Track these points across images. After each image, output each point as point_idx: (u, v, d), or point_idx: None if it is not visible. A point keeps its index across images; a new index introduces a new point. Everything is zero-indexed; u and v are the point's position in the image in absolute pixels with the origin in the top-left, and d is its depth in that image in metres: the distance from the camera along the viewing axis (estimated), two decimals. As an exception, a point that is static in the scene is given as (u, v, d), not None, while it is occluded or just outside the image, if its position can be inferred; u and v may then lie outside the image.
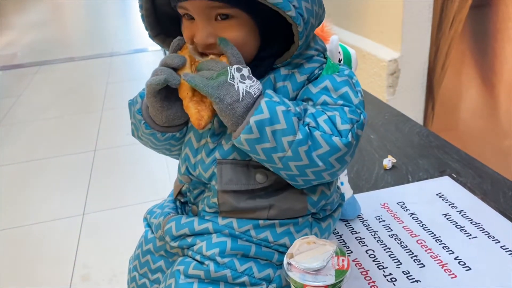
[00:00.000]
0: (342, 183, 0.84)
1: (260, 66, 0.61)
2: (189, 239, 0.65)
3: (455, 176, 1.00)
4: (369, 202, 0.91)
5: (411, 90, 1.96)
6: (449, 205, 0.90)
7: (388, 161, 1.05)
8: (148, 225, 0.74)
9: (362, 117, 0.59)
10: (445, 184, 0.98)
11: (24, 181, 2.28)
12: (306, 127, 0.56)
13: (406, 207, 0.91)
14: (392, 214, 0.89)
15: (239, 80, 0.55)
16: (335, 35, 0.77)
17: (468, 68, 1.75)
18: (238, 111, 0.55)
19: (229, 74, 0.55)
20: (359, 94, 0.60)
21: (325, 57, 0.65)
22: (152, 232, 0.72)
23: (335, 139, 0.55)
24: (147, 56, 4.64)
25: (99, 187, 2.15)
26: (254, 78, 0.56)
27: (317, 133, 0.55)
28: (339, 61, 0.79)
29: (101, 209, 1.97)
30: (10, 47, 5.29)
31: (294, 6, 0.55)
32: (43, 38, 5.65)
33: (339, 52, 0.78)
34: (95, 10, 7.70)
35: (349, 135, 0.56)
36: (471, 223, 0.84)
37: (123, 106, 3.43)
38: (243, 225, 0.63)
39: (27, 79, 3.99)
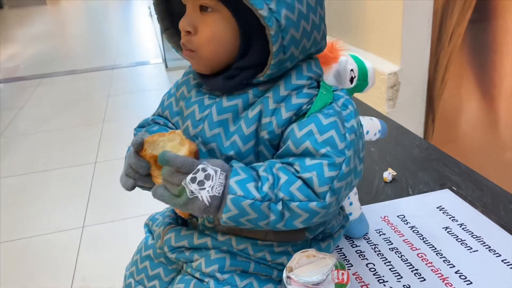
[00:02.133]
0: (351, 203, 0.82)
1: (237, 77, 0.60)
2: (187, 253, 0.64)
3: (455, 189, 1.00)
4: (369, 215, 0.91)
5: (411, 103, 1.97)
6: (449, 218, 0.90)
7: (388, 174, 1.05)
8: (149, 231, 0.74)
9: (343, 166, 0.56)
10: (446, 197, 0.97)
11: (24, 193, 2.28)
12: (279, 204, 0.55)
13: (406, 220, 0.91)
14: (393, 227, 0.89)
15: (199, 189, 0.54)
16: (344, 56, 0.75)
17: (467, 81, 1.76)
18: (212, 212, 0.55)
19: (187, 190, 0.54)
20: (347, 135, 0.57)
21: (319, 85, 0.62)
22: (153, 239, 0.72)
23: (312, 205, 0.54)
24: (148, 69, 4.67)
25: (99, 200, 2.15)
26: (211, 174, 0.54)
27: (293, 205, 0.55)
28: (352, 79, 0.77)
29: (101, 221, 1.96)
30: (13, 60, 5.33)
31: (270, 8, 0.54)
32: (45, 50, 5.70)
33: (352, 70, 0.77)
34: (97, 24, 7.77)
35: (327, 196, 0.55)
36: (471, 236, 0.84)
37: (124, 118, 3.46)
38: (241, 243, 0.63)
39: (29, 91, 4.01)
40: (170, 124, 0.71)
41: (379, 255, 0.81)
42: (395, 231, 0.87)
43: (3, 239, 1.90)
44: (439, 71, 1.90)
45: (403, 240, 0.85)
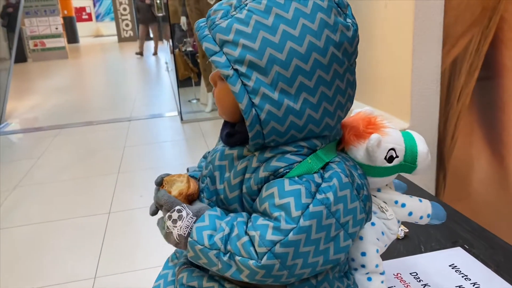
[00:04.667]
0: (363, 254, 0.74)
1: (233, 137, 0.66)
2: None
3: (467, 247, 1.00)
4: (382, 272, 0.92)
5: (422, 160, 1.99)
6: (462, 277, 0.91)
7: (400, 231, 1.07)
8: (168, 267, 0.78)
9: (291, 234, 0.56)
10: (458, 255, 0.98)
11: (38, 243, 2.30)
12: (227, 256, 0.59)
13: (419, 278, 0.91)
14: (406, 285, 0.89)
15: (173, 226, 0.63)
16: (376, 134, 0.68)
17: (477, 139, 1.80)
18: (182, 248, 0.64)
19: (165, 225, 0.64)
20: (311, 206, 0.57)
21: (309, 154, 0.62)
22: (173, 275, 0.76)
23: (250, 262, 0.58)
24: (164, 121, 4.79)
25: (111, 250, 2.16)
26: (183, 215, 0.63)
27: (237, 258, 0.59)
28: (391, 158, 0.71)
29: (112, 272, 1.97)
30: (33, 111, 5.52)
31: (252, 102, 0.58)
32: (65, 102, 5.90)
33: (392, 149, 0.70)
34: (116, 77, 8.06)
35: (264, 258, 0.57)
36: (485, 296, 0.84)
37: (139, 169, 3.52)
38: None
39: (47, 141, 4.13)
40: None
41: (392, 312, 0.81)
42: (408, 289, 0.88)
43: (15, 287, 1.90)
44: (448, 129, 1.94)
45: (417, 298, 0.85)
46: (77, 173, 3.29)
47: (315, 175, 0.61)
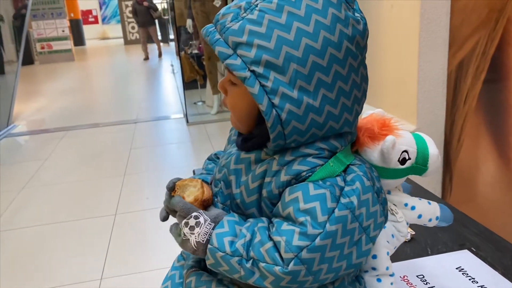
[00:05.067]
0: (374, 256, 0.74)
1: (250, 141, 0.66)
2: None
3: (474, 250, 1.00)
4: (389, 274, 0.92)
5: (428, 162, 1.99)
6: (469, 279, 0.90)
7: (407, 233, 1.06)
8: (175, 268, 0.78)
9: (318, 239, 0.56)
10: (465, 258, 0.98)
11: (44, 244, 2.31)
12: (250, 262, 0.58)
13: (426, 280, 0.91)
14: (412, 287, 0.89)
15: (190, 233, 0.62)
16: (391, 136, 0.69)
17: (484, 142, 1.79)
18: (200, 256, 0.63)
19: (182, 232, 0.63)
20: (336, 210, 0.57)
21: (330, 156, 0.62)
22: (180, 277, 0.76)
23: (276, 269, 0.56)
24: (170, 124, 4.80)
25: (117, 252, 2.16)
26: (201, 222, 0.62)
27: (261, 265, 0.57)
28: (404, 160, 0.71)
29: (118, 274, 1.97)
30: (39, 113, 5.55)
31: (272, 103, 0.57)
32: (71, 104, 5.93)
33: (405, 151, 0.71)
34: (122, 79, 8.09)
35: (291, 264, 0.56)
36: (492, 298, 0.84)
37: (145, 171, 3.53)
38: None
39: (54, 143, 4.15)
40: None
41: (399, 315, 0.81)
42: (415, 291, 0.88)
43: (22, 289, 1.92)
44: (455, 131, 1.93)
45: (423, 301, 0.85)
46: (84, 174, 3.30)
47: (338, 178, 0.60)
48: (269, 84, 0.57)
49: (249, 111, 0.64)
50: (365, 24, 0.62)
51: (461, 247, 1.02)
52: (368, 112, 0.77)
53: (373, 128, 0.70)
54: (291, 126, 0.58)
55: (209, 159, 0.85)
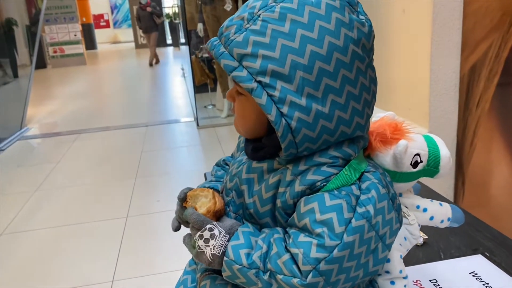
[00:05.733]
0: (388, 260, 0.73)
1: (261, 151, 0.65)
2: None
3: (488, 254, 0.99)
4: (401, 279, 0.91)
5: (440, 166, 1.97)
6: (483, 284, 0.90)
7: (419, 237, 1.06)
8: (187, 272, 0.78)
9: (335, 251, 0.56)
10: (479, 262, 0.97)
11: (56, 246, 2.34)
12: (267, 275, 0.58)
13: (439, 285, 0.90)
14: (425, 292, 0.89)
15: (205, 246, 0.62)
16: (404, 140, 0.68)
17: (497, 146, 1.77)
18: (216, 268, 0.62)
19: (196, 245, 0.63)
20: (353, 220, 0.57)
21: (344, 165, 0.62)
22: (192, 281, 0.76)
23: (294, 281, 0.56)
24: (180, 127, 4.83)
25: (129, 254, 2.18)
26: (216, 234, 0.62)
27: (278, 277, 0.57)
28: (416, 163, 0.71)
29: (130, 276, 1.98)
30: (52, 116, 5.62)
31: (281, 112, 0.57)
32: (83, 107, 6.00)
33: (417, 155, 0.71)
34: (133, 83, 8.15)
35: (309, 276, 0.55)
36: (507, 304, 0.83)
37: (156, 174, 3.55)
38: None
39: (66, 146, 4.20)
40: None
41: (412, 319, 0.81)
42: (427, 296, 0.87)
43: (35, 290, 1.94)
44: (467, 135, 1.92)
45: (436, 305, 0.84)
46: (95, 177, 3.33)
47: (353, 187, 0.59)
48: (276, 93, 0.57)
49: (258, 121, 0.64)
50: (370, 26, 0.62)
51: (474, 252, 1.01)
52: (379, 116, 0.77)
53: (385, 133, 0.69)
54: (301, 134, 0.58)
55: (217, 165, 0.84)
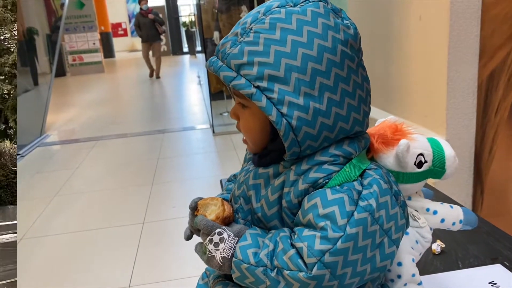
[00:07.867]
0: (400, 264, 0.74)
1: (267, 157, 0.68)
2: None
3: (508, 264, 0.98)
4: None
5: (457, 174, 1.95)
6: (502, 294, 0.88)
7: (437, 246, 1.05)
8: (200, 286, 0.80)
9: (339, 242, 0.57)
10: (498, 272, 0.96)
11: (74, 251, 2.37)
12: (275, 271, 0.60)
13: (457, 295, 0.89)
14: (443, 301, 0.88)
15: (215, 250, 0.64)
16: (404, 139, 0.70)
17: (516, 154, 1.74)
18: (226, 271, 0.64)
19: (207, 250, 0.65)
20: (355, 213, 0.58)
21: (345, 163, 0.64)
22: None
23: (300, 275, 0.57)
24: (196, 134, 4.86)
25: (145, 260, 2.20)
26: (225, 237, 0.64)
27: (285, 273, 0.59)
28: (420, 164, 0.72)
29: (146, 282, 2.00)
30: (70, 123, 5.71)
31: (281, 112, 0.60)
32: (101, 115, 6.08)
33: (421, 155, 0.72)
34: (149, 90, 8.24)
35: (315, 268, 0.57)
36: (527, 315, 0.82)
37: (172, 180, 3.58)
38: None
39: (84, 153, 4.26)
40: None
41: (429, 329, 0.80)
42: (445, 305, 0.86)
43: (54, 295, 1.96)
44: (486, 143, 1.89)
45: (455, 315, 0.83)
46: (113, 183, 3.37)
47: (355, 182, 0.62)
48: (275, 95, 0.60)
49: (262, 129, 0.67)
50: (355, 28, 0.65)
51: (493, 261, 0.99)
52: (381, 120, 0.78)
53: (386, 134, 0.72)
54: (302, 132, 0.61)
55: (228, 180, 0.87)
